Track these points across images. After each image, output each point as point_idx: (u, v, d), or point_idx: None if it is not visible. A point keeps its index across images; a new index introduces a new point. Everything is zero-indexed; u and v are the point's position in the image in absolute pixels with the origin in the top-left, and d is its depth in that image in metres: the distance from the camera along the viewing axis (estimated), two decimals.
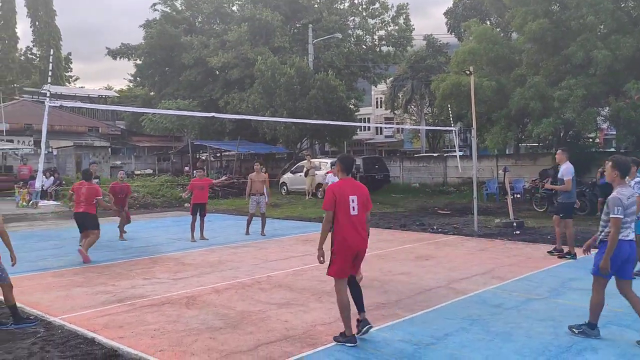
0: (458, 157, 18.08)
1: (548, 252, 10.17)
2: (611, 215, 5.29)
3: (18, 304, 6.35)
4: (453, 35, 34.88)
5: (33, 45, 61.65)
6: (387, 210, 19.11)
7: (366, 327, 5.53)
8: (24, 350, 5.37)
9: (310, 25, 32.79)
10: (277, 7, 34.60)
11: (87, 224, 10.24)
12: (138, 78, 44.82)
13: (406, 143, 51.59)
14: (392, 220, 15.98)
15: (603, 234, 5.47)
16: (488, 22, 28.40)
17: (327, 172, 12.46)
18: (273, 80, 28.08)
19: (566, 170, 9.51)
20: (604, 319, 6.06)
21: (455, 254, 10.52)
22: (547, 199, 17.81)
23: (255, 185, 13.17)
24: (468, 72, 14.41)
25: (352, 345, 5.30)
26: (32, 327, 6.08)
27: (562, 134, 21.39)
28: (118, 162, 32.68)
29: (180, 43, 35.59)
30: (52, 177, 24.76)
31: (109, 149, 38.21)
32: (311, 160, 24.79)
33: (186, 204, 20.18)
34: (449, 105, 19.09)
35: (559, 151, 9.85)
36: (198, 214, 12.47)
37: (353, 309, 5.54)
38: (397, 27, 37.12)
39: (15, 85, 55.05)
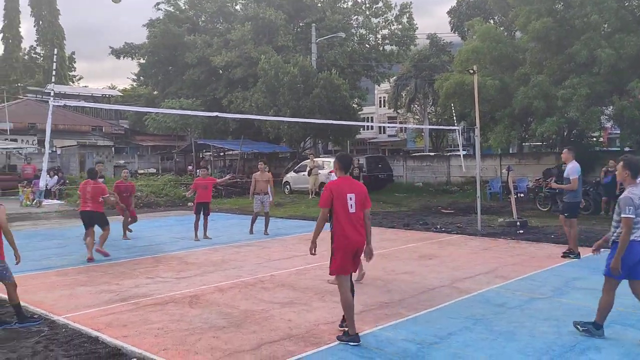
0: (462, 156, 18.06)
1: (562, 255, 9.87)
2: (622, 215, 5.26)
3: (22, 303, 6.37)
4: (456, 34, 34.81)
5: (37, 45, 61.92)
6: (391, 209, 19.10)
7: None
8: (27, 349, 5.38)
9: (314, 24, 32.77)
10: (280, 6, 34.59)
11: (97, 222, 10.37)
12: (141, 77, 44.89)
13: (409, 142, 51.53)
14: (395, 220, 15.97)
15: (615, 234, 5.41)
16: (492, 21, 28.31)
17: (331, 172, 12.46)
18: (276, 80, 28.09)
19: (572, 169, 9.47)
20: (608, 318, 6.04)
21: (459, 253, 10.50)
22: (550, 198, 17.77)
23: (259, 185, 13.17)
24: (471, 71, 14.38)
25: (356, 344, 5.30)
26: (36, 326, 6.10)
27: (565, 133, 21.34)
28: (121, 162, 32.74)
29: (184, 42, 35.63)
30: (56, 177, 24.83)
31: (113, 148, 38.33)
32: (314, 159, 24.78)
33: (189, 203, 20.22)
34: (452, 105, 19.07)
35: (565, 150, 9.80)
36: (201, 213, 12.48)
37: (357, 308, 5.53)
38: (400, 26, 37.06)
39: (19, 84, 55.23)
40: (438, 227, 14.25)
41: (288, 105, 27.39)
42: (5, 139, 32.14)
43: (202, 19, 40.25)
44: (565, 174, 9.66)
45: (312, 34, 31.91)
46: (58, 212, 19.52)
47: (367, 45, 37.89)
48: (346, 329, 5.56)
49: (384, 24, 37.36)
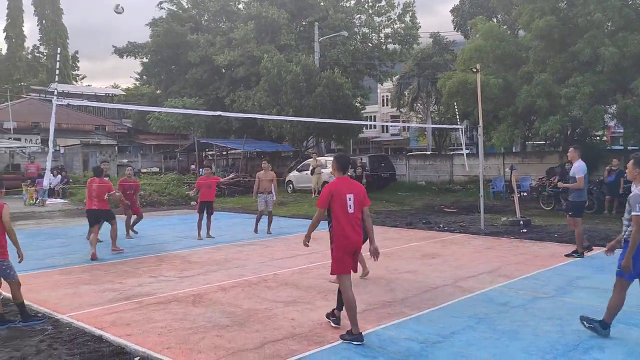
0: (465, 155, 18.03)
1: (566, 255, 9.77)
2: (633, 213, 5.22)
3: (26, 302, 6.39)
4: (459, 33, 34.73)
5: (40, 44, 62.06)
6: (393, 208, 19.09)
7: (336, 325, 5.78)
8: (31, 348, 5.40)
9: (316, 23, 32.77)
10: (283, 4, 34.60)
11: (104, 219, 10.65)
12: (144, 76, 44.96)
13: (412, 141, 51.47)
14: (398, 219, 15.96)
15: (627, 233, 5.34)
16: (495, 20, 28.26)
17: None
18: (279, 78, 28.10)
19: (578, 168, 9.44)
20: (604, 316, 6.03)
21: (462, 252, 10.49)
22: (554, 197, 17.75)
23: (262, 184, 13.16)
24: (475, 70, 14.35)
25: (359, 343, 5.31)
26: (40, 325, 6.12)
27: (569, 132, 21.30)
28: (124, 161, 32.77)
29: (187, 41, 35.66)
30: (59, 176, 24.89)
31: (116, 147, 38.42)
32: (317, 158, 24.78)
33: (192, 202, 20.25)
34: (455, 103, 19.02)
35: (571, 149, 9.76)
36: (205, 212, 12.50)
37: (360, 307, 5.53)
38: (403, 25, 37.03)
39: (22, 83, 55.35)
40: (441, 226, 14.23)
41: (291, 104, 27.39)
42: (9, 138, 32.25)
43: (205, 18, 40.29)
44: (571, 173, 9.64)
45: (314, 33, 31.91)
46: (61, 211, 19.57)
47: (369, 44, 37.87)
48: (332, 319, 5.79)
49: (386, 22, 37.35)
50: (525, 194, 20.83)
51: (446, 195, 23.42)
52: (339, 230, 5.51)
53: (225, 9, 38.39)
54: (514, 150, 28.45)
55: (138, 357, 5.08)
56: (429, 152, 35.71)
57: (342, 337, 5.44)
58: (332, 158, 7.41)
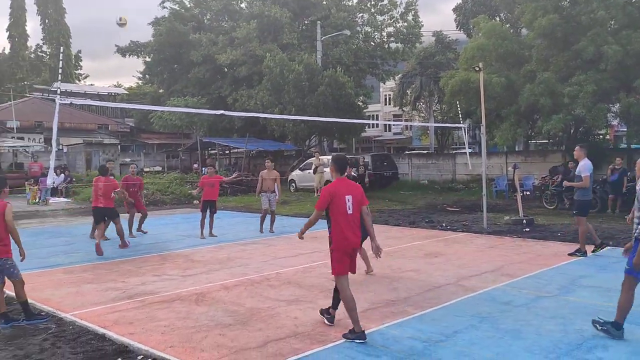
0: (468, 154, 17.99)
1: (592, 252, 9.72)
2: None
3: (29, 300, 6.41)
4: (462, 32, 34.68)
5: (43, 43, 62.18)
6: (396, 207, 19.09)
7: (330, 323, 5.84)
8: (35, 346, 5.42)
9: (319, 22, 32.73)
10: (285, 3, 34.57)
11: (109, 217, 10.97)
12: (147, 75, 44.97)
13: (415, 140, 51.41)
14: (400, 217, 15.96)
15: (638, 231, 5.29)
16: (497, 18, 28.23)
17: None
18: (281, 77, 28.09)
19: (584, 166, 9.41)
20: (614, 317, 6.02)
21: (465, 251, 10.48)
22: (557, 196, 17.72)
23: (266, 183, 13.15)
24: (477, 69, 14.33)
25: (362, 341, 5.31)
26: (44, 323, 6.13)
27: (572, 131, 21.24)
28: (127, 160, 32.86)
29: (189, 40, 35.67)
30: (62, 175, 24.94)
31: (119, 147, 38.50)
32: (320, 157, 24.77)
33: (195, 201, 20.27)
34: (457, 102, 19.00)
35: (577, 147, 9.73)
36: (208, 211, 12.51)
37: (363, 305, 5.53)
38: (405, 24, 36.95)
39: (25, 82, 55.46)
40: (444, 225, 14.22)
41: (293, 103, 27.38)
42: (12, 138, 32.33)
43: (208, 17, 40.29)
44: (577, 171, 9.61)
45: (317, 32, 31.87)
46: (65, 210, 19.62)
47: (372, 43, 37.81)
48: (327, 317, 5.87)
49: (389, 21, 37.27)
50: (528, 192, 20.81)
51: (449, 194, 23.40)
52: (338, 232, 5.57)
53: (228, 8, 38.39)
54: (516, 149, 28.39)
55: (141, 356, 5.09)
56: (424, 152, 35.72)
57: (344, 336, 5.44)
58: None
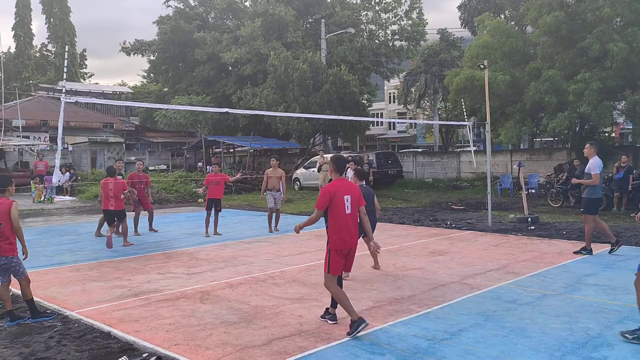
0: (472, 152, 17.97)
1: (609, 252, 9.61)
2: None
3: (35, 298, 6.43)
4: (467, 29, 34.59)
5: (48, 42, 62.46)
6: (401, 205, 19.06)
7: (333, 322, 5.87)
8: (41, 344, 5.44)
9: (323, 20, 32.73)
10: (289, 2, 34.58)
11: (119, 219, 11.22)
12: (152, 74, 45.10)
13: (419, 138, 51.35)
14: (405, 216, 15.94)
15: None
16: (502, 16, 28.09)
17: (347, 168, 12.33)
18: (286, 76, 28.09)
19: (594, 164, 9.37)
20: (619, 315, 6.01)
21: (469, 249, 10.46)
22: (562, 194, 17.67)
23: (271, 181, 13.14)
24: (482, 66, 14.29)
25: (365, 325, 5.43)
26: (49, 321, 6.15)
27: (577, 129, 21.17)
28: (132, 158, 32.98)
29: (194, 39, 35.73)
30: (67, 173, 25.04)
31: (124, 145, 38.60)
32: (324, 155, 24.76)
33: (199, 200, 20.31)
34: (462, 100, 18.98)
35: (587, 145, 9.69)
36: (213, 209, 12.53)
37: (367, 304, 5.52)
38: (410, 22, 36.91)
39: (31, 81, 55.70)
40: (448, 223, 14.20)
41: (297, 101, 27.39)
42: (18, 136, 32.46)
43: (212, 15, 40.34)
44: (586, 169, 9.56)
45: (321, 30, 31.87)
46: (70, 208, 19.68)
47: (376, 41, 37.77)
48: (329, 317, 5.90)
49: (393, 19, 37.23)
50: (533, 190, 20.77)
51: (453, 193, 23.36)
52: (335, 232, 5.66)
53: (232, 6, 38.41)
54: (521, 147, 28.35)
55: (146, 354, 5.10)
56: (419, 150, 35.67)
57: (349, 334, 5.45)
58: None
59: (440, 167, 27.94)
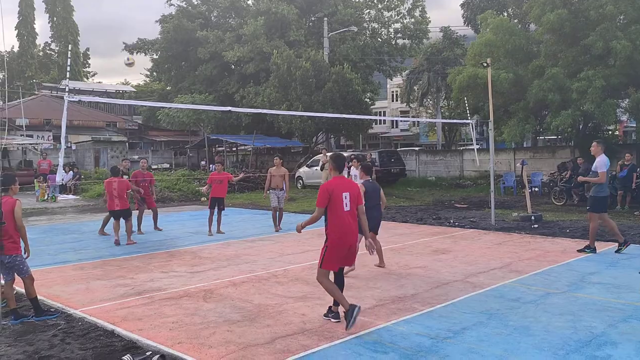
0: (475, 150, 17.92)
1: (616, 251, 9.54)
2: None
3: (39, 297, 6.45)
4: (469, 28, 34.54)
5: (51, 41, 62.56)
6: (404, 203, 19.05)
7: (336, 320, 5.85)
8: (45, 342, 5.45)
9: (326, 18, 32.70)
10: (292, 0, 34.55)
11: (125, 217, 11.34)
12: (154, 73, 45.13)
13: (422, 136, 51.30)
14: (408, 214, 15.93)
15: None
16: (505, 14, 28.06)
17: (348, 166, 12.31)
18: (289, 74, 28.08)
19: (600, 162, 9.33)
20: (623, 314, 6.00)
21: (473, 247, 10.45)
22: (566, 192, 17.63)
23: (274, 180, 13.13)
24: (485, 64, 14.26)
25: (358, 310, 5.58)
26: (53, 320, 6.17)
27: (581, 127, 21.11)
28: (135, 157, 32.99)
29: (196, 38, 35.75)
30: (71, 172, 25.10)
31: (127, 144, 38.65)
32: (327, 154, 24.74)
33: (202, 198, 20.32)
34: (465, 98, 18.93)
35: (594, 143, 9.65)
36: (216, 207, 12.53)
37: (370, 302, 5.52)
38: (413, 20, 36.85)
39: (34, 80, 55.82)
40: (451, 221, 14.18)
41: (300, 99, 27.37)
42: (21, 135, 32.53)
43: (215, 14, 40.35)
44: (593, 167, 9.53)
45: (324, 28, 31.84)
46: (73, 207, 19.73)
47: (379, 39, 37.72)
48: (331, 315, 5.89)
49: (396, 17, 37.17)
50: (536, 189, 20.73)
51: (456, 191, 23.34)
52: (334, 229, 5.72)
53: (235, 5, 38.42)
54: (525, 145, 28.28)
55: (150, 352, 5.11)
56: (416, 149, 35.65)
57: (347, 329, 5.53)
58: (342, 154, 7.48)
59: (443, 166, 27.90)
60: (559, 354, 4.89)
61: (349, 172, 12.65)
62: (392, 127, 56.30)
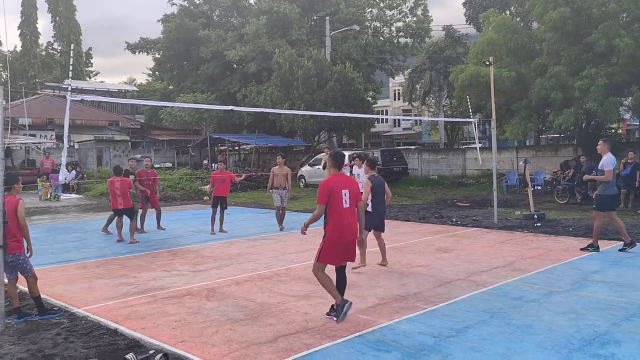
0: (478, 148, 17.91)
1: (620, 250, 9.53)
2: None
3: (42, 296, 6.47)
4: (472, 26, 34.44)
5: (54, 41, 62.64)
6: (406, 202, 19.04)
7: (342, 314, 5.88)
8: (48, 341, 5.47)
9: (328, 17, 32.66)
10: None
11: (129, 216, 11.46)
12: (157, 72, 45.15)
13: (424, 135, 51.24)
14: (410, 213, 15.92)
15: None
16: (507, 12, 27.96)
17: (345, 165, 12.28)
18: (290, 73, 28.07)
19: (607, 160, 9.32)
20: (627, 312, 5.99)
21: (475, 246, 10.44)
22: (568, 191, 17.60)
23: (277, 179, 13.12)
24: (487, 63, 14.23)
25: (349, 305, 5.76)
26: (56, 318, 6.19)
27: (583, 125, 21.06)
28: (138, 156, 33.05)
29: (198, 37, 35.76)
30: (74, 171, 25.15)
31: (129, 143, 38.71)
32: (329, 152, 24.75)
33: (205, 197, 20.33)
34: (467, 97, 18.91)
35: (600, 142, 9.63)
36: (218, 206, 12.54)
37: (373, 301, 5.52)
38: (415, 19, 36.79)
39: (37, 80, 55.92)
40: (454, 220, 14.17)
41: (302, 98, 27.37)
42: (24, 134, 32.60)
43: (217, 13, 40.36)
44: (599, 166, 9.52)
45: (326, 27, 31.81)
46: (76, 206, 19.76)
47: (381, 38, 37.68)
48: (334, 314, 5.89)
49: (398, 16, 37.12)
50: (539, 187, 20.70)
51: (459, 190, 23.31)
52: (333, 225, 5.78)
53: (237, 4, 38.41)
54: (527, 144, 28.23)
55: (153, 351, 5.12)
56: (413, 147, 35.63)
57: (337, 321, 5.69)
58: (344, 153, 7.48)
59: (445, 164, 27.88)
60: (562, 353, 4.88)
61: (351, 171, 12.63)
62: (395, 126, 56.25)
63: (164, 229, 13.13)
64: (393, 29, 37.73)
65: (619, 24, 17.80)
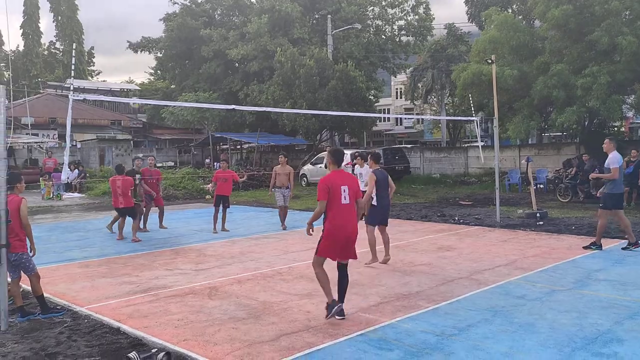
0: (480, 147, 17.89)
1: (623, 248, 9.50)
2: None
3: (45, 295, 6.48)
4: (474, 24, 34.38)
5: (56, 40, 62.72)
6: (408, 201, 19.02)
7: (341, 317, 5.88)
8: (51, 340, 5.48)
9: (329, 15, 32.66)
10: None
11: (131, 215, 11.51)
12: (159, 71, 45.19)
13: (426, 134, 51.20)
14: (412, 211, 15.90)
15: None
16: (509, 10, 27.90)
17: (347, 164, 12.33)
18: (292, 72, 28.07)
19: (613, 159, 9.30)
20: (630, 311, 5.98)
21: (477, 245, 10.42)
22: (571, 189, 17.57)
23: (280, 178, 13.11)
24: (489, 61, 14.21)
25: (338, 307, 5.78)
26: (59, 317, 6.20)
27: (586, 123, 21.02)
28: (140, 155, 33.10)
29: (200, 36, 35.77)
30: (76, 170, 25.18)
31: (131, 142, 38.75)
32: (329, 150, 24.75)
33: (207, 196, 20.35)
34: (469, 95, 18.87)
35: (606, 140, 9.62)
36: (220, 205, 12.55)
37: (375, 299, 5.52)
38: (417, 17, 36.77)
39: (39, 79, 55.97)
40: (456, 218, 14.15)
41: (304, 97, 27.36)
42: (27, 134, 32.67)
43: (218, 12, 40.36)
44: (605, 164, 9.50)
45: (327, 26, 31.80)
46: (79, 205, 19.80)
47: (383, 37, 37.67)
48: (335, 314, 5.91)
49: (400, 14, 37.11)
50: (541, 186, 20.66)
51: (461, 188, 23.29)
52: (331, 221, 5.80)
53: (239, 3, 38.42)
54: (529, 142, 28.17)
55: (155, 349, 5.12)
56: (409, 146, 35.62)
57: (327, 317, 5.78)
58: (346, 151, 7.52)
59: (447, 163, 27.85)
60: (564, 351, 4.88)
61: (353, 170, 12.63)
62: (397, 125, 56.20)
63: (166, 228, 13.15)
64: (395, 27, 37.72)
65: (622, 22, 17.75)
